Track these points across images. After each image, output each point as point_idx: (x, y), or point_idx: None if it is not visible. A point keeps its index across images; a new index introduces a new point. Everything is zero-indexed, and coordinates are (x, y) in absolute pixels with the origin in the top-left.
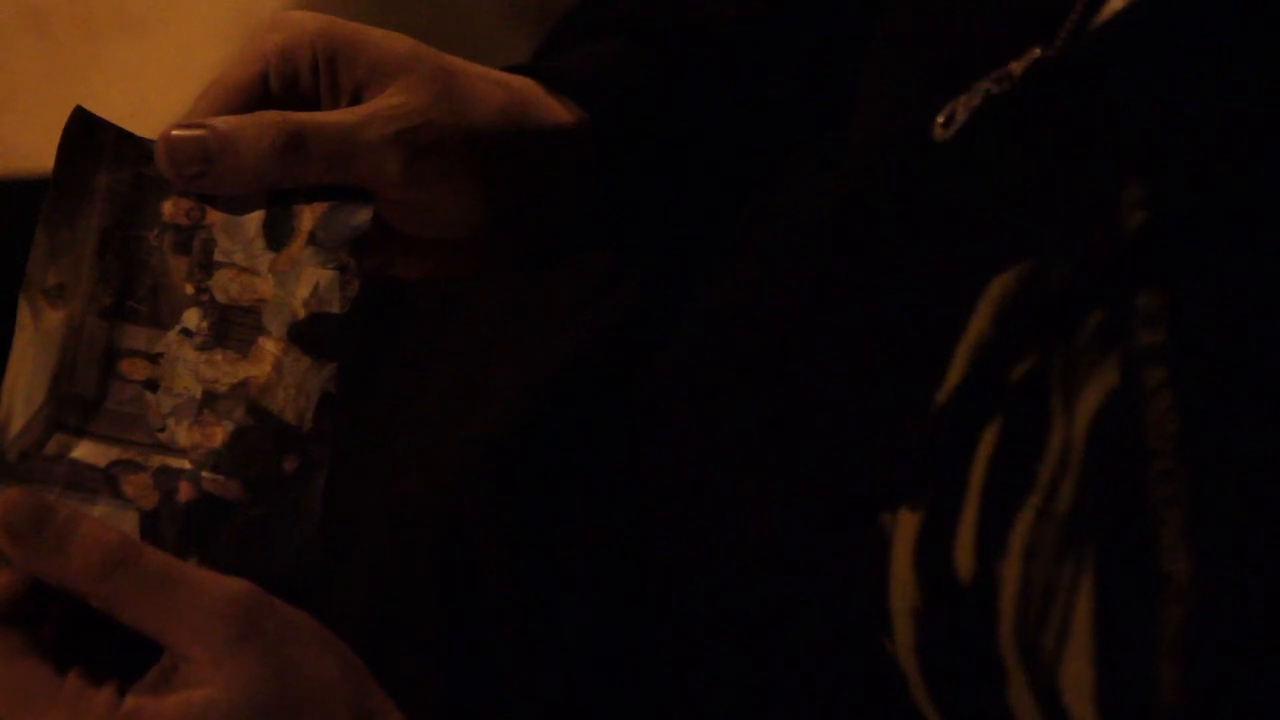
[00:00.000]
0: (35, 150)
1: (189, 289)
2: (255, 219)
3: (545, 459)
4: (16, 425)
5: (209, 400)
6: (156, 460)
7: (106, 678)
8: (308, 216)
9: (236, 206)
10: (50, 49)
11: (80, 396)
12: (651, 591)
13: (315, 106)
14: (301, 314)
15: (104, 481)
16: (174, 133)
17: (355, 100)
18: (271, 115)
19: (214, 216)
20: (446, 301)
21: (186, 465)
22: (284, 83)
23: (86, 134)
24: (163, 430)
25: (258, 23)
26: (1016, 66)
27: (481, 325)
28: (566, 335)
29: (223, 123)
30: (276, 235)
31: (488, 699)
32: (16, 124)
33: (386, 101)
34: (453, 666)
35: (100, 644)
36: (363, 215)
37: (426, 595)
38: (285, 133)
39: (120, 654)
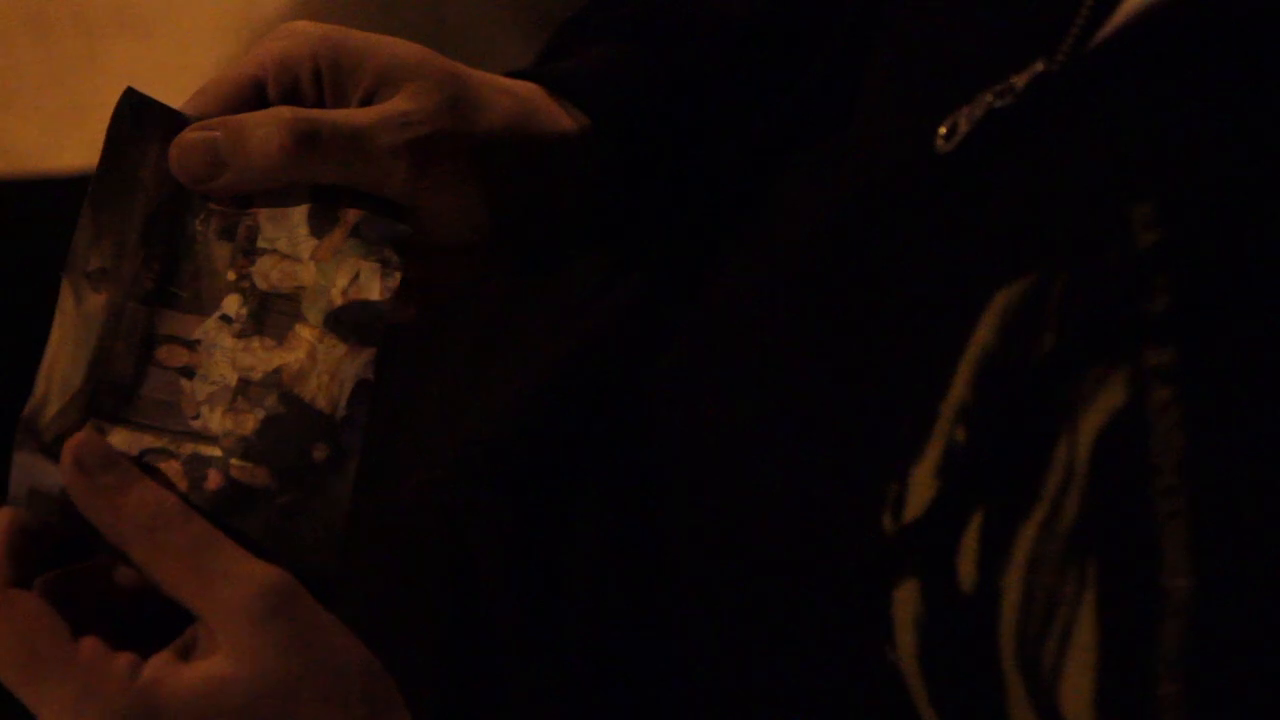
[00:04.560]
0: (35, 150)
1: (231, 275)
2: (300, 210)
3: (546, 459)
4: (53, 409)
5: (243, 388)
6: (188, 448)
7: (121, 647)
8: (351, 212)
9: (280, 199)
10: (50, 49)
11: (116, 382)
12: (651, 592)
13: None
14: (339, 301)
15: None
16: (186, 136)
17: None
18: (284, 110)
19: (259, 205)
20: (447, 301)
21: (217, 453)
22: (282, 91)
23: (136, 117)
24: (196, 418)
25: (258, 23)
26: (1018, 79)
27: (482, 325)
28: (567, 335)
29: (234, 121)
30: (320, 225)
31: (488, 699)
32: (16, 124)
33: (397, 107)
34: (453, 666)
35: (116, 616)
36: (401, 225)
37: (427, 595)
38: (298, 129)
39: (136, 628)
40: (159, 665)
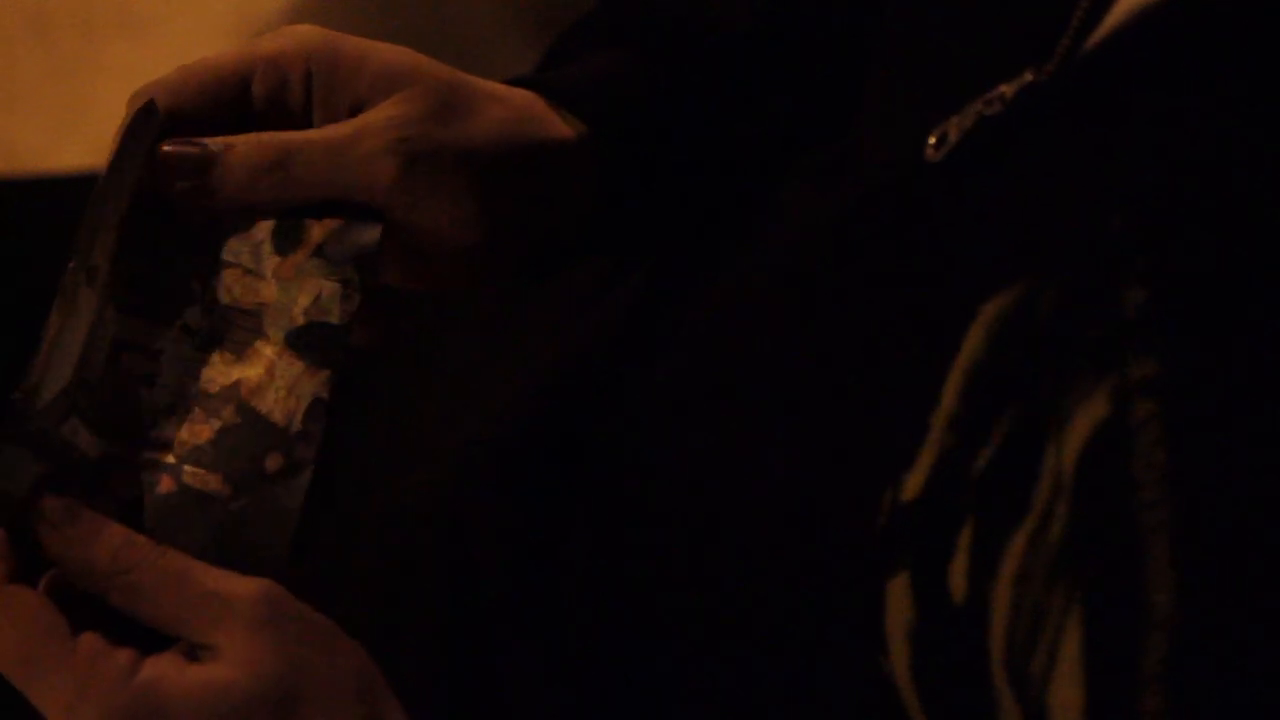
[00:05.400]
0: (35, 150)
1: (194, 286)
2: (266, 225)
3: (545, 460)
4: (43, 400)
5: (201, 399)
6: (145, 455)
7: (121, 644)
8: (317, 230)
9: (248, 213)
10: (50, 49)
11: (90, 385)
12: (649, 594)
13: (303, 119)
14: (300, 321)
15: (94, 472)
16: (166, 148)
17: (354, 115)
18: (264, 136)
19: (226, 218)
20: (447, 302)
21: (171, 460)
22: (268, 90)
23: (144, 122)
24: (154, 426)
25: (258, 24)
26: (1008, 89)
27: (482, 326)
28: (567, 336)
29: (215, 142)
30: (285, 242)
31: (488, 699)
32: (16, 124)
33: (382, 113)
34: (453, 667)
35: (117, 614)
36: (371, 234)
37: (427, 595)
38: (273, 153)
39: (137, 626)
40: (160, 664)
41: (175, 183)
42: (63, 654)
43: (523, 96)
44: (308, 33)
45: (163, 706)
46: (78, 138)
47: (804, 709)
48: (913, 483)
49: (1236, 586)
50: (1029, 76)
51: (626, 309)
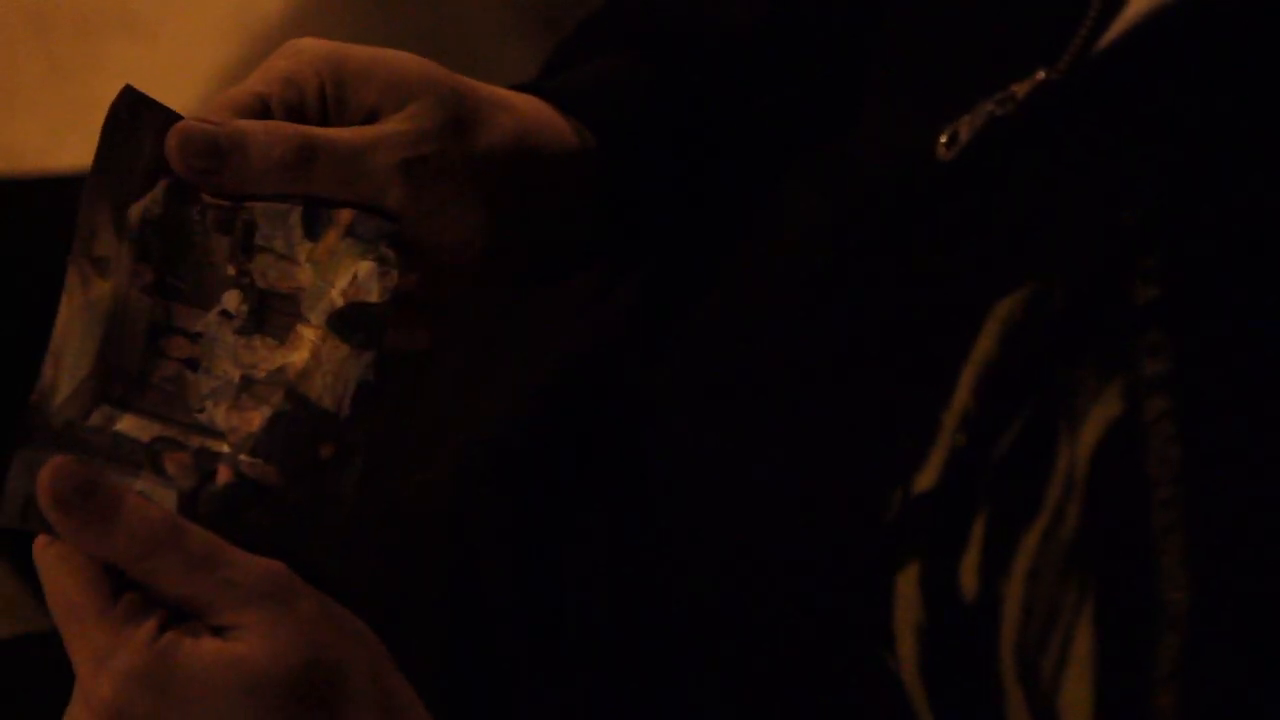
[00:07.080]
0: (35, 150)
1: (230, 270)
2: (296, 209)
3: (547, 460)
4: (62, 393)
5: (247, 385)
6: (196, 440)
7: (154, 610)
8: (345, 212)
9: (275, 195)
10: (50, 49)
11: (124, 370)
12: (653, 594)
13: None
14: (340, 303)
15: (146, 456)
16: (188, 125)
17: (367, 124)
18: (286, 125)
19: (253, 201)
20: (448, 303)
21: (225, 448)
22: (286, 108)
23: (132, 113)
24: (201, 411)
25: (258, 24)
26: (1019, 88)
27: (484, 326)
28: (569, 336)
29: (235, 125)
30: (314, 226)
31: (490, 699)
32: (16, 124)
33: (396, 127)
34: (455, 666)
35: None
36: (391, 224)
37: (429, 595)
38: (296, 145)
39: None
40: (182, 632)
41: (194, 160)
42: (103, 609)
43: (530, 104)
44: (315, 46)
45: (176, 671)
46: (78, 138)
47: (810, 705)
48: (924, 479)
49: (1250, 585)
50: (1041, 76)
51: (629, 309)
